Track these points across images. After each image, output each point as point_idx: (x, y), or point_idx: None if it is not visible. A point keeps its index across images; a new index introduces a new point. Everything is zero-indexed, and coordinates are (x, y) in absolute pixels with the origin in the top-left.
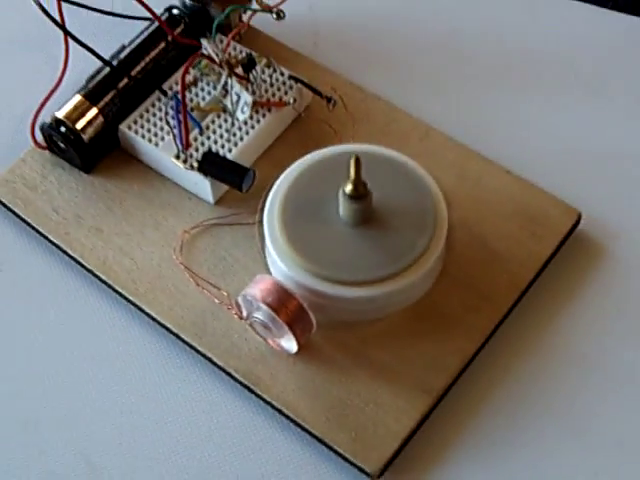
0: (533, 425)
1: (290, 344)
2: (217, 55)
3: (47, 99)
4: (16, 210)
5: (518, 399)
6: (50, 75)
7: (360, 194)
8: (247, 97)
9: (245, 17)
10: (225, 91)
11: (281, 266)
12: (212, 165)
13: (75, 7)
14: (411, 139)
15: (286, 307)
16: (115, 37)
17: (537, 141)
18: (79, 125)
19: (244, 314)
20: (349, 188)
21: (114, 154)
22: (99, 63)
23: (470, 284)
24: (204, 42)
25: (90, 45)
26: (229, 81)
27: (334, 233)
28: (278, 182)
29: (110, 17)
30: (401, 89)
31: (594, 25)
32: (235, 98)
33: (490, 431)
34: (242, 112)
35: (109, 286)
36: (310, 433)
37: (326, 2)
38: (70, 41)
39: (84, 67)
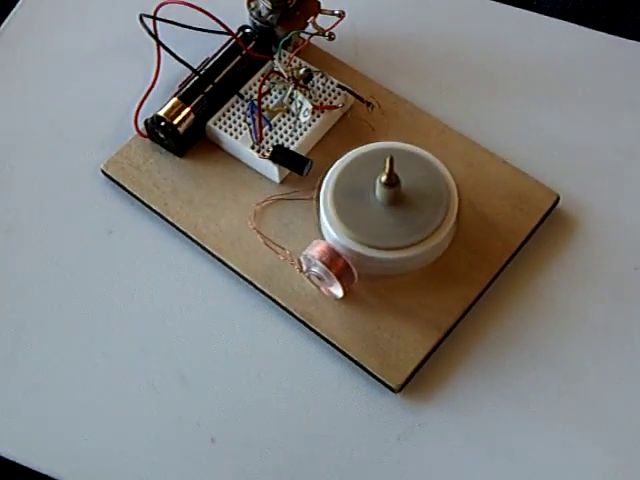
0: (516, 354)
1: (338, 291)
2: (285, 71)
3: (145, 98)
4: (125, 185)
5: (506, 334)
6: (142, 78)
7: (392, 182)
8: (308, 105)
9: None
10: (291, 99)
11: (332, 233)
12: (281, 155)
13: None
14: (431, 135)
15: (336, 264)
16: (198, 47)
17: (528, 136)
18: (176, 121)
19: (304, 269)
20: (384, 178)
21: (201, 143)
22: (183, 70)
23: (473, 248)
24: (275, 62)
25: (179, 53)
26: (294, 92)
27: (372, 210)
28: (331, 170)
29: (194, 30)
30: (424, 93)
31: (578, 41)
32: (299, 105)
33: (485, 359)
34: (304, 116)
35: (199, 245)
36: (349, 357)
37: (365, 21)
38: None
39: (172, 73)
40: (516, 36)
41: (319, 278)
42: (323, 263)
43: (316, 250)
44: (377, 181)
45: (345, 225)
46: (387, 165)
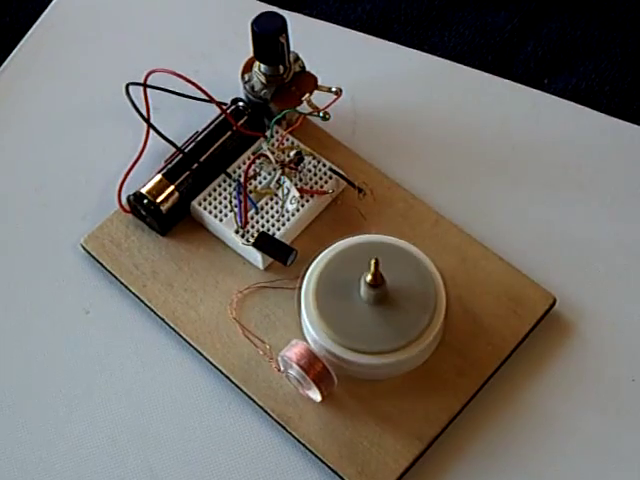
0: (503, 468)
1: (316, 395)
2: (273, 154)
3: (129, 171)
4: (103, 263)
5: (492, 446)
6: (134, 142)
7: (377, 283)
8: (295, 192)
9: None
10: (278, 184)
11: (311, 332)
12: (265, 243)
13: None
14: (424, 225)
15: (314, 368)
16: (193, 113)
17: (528, 229)
18: (159, 199)
19: (281, 369)
20: (369, 278)
21: (185, 221)
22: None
23: (461, 352)
24: (264, 145)
25: (172, 119)
26: (282, 177)
27: (355, 309)
28: (315, 262)
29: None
30: (421, 178)
31: (586, 125)
32: (286, 191)
33: (469, 472)
34: (290, 203)
35: (176, 332)
36: (326, 464)
37: (365, 97)
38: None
39: (161, 143)
40: (523, 119)
41: (297, 380)
42: (300, 367)
43: (293, 352)
44: (362, 280)
45: (326, 324)
46: (372, 267)
